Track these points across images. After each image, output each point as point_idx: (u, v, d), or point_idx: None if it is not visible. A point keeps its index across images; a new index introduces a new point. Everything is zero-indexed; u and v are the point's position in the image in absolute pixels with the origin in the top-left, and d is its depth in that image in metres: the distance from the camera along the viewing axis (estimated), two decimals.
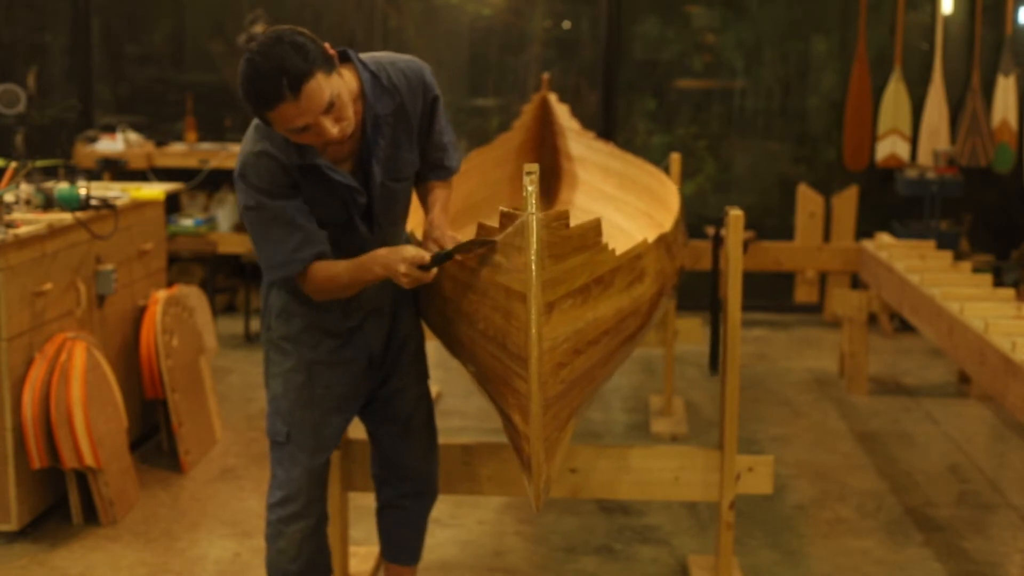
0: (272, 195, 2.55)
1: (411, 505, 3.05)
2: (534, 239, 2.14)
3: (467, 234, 2.62)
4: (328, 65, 2.43)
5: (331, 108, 2.43)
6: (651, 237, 2.79)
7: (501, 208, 2.25)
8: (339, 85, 2.46)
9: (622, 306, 2.43)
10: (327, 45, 2.47)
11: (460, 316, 2.43)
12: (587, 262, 2.27)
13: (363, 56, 2.64)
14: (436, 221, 2.74)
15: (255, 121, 2.59)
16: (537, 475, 2.25)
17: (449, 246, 2.57)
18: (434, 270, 2.47)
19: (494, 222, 2.30)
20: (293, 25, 2.47)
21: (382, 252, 2.52)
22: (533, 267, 2.13)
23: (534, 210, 2.15)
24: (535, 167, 2.21)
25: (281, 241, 2.57)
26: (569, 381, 2.29)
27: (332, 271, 2.58)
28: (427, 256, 2.46)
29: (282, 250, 2.57)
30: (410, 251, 2.47)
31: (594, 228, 2.27)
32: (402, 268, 2.46)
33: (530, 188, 2.17)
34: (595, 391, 2.57)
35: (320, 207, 2.61)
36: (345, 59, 2.60)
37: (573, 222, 2.22)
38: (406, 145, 2.69)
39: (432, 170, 2.81)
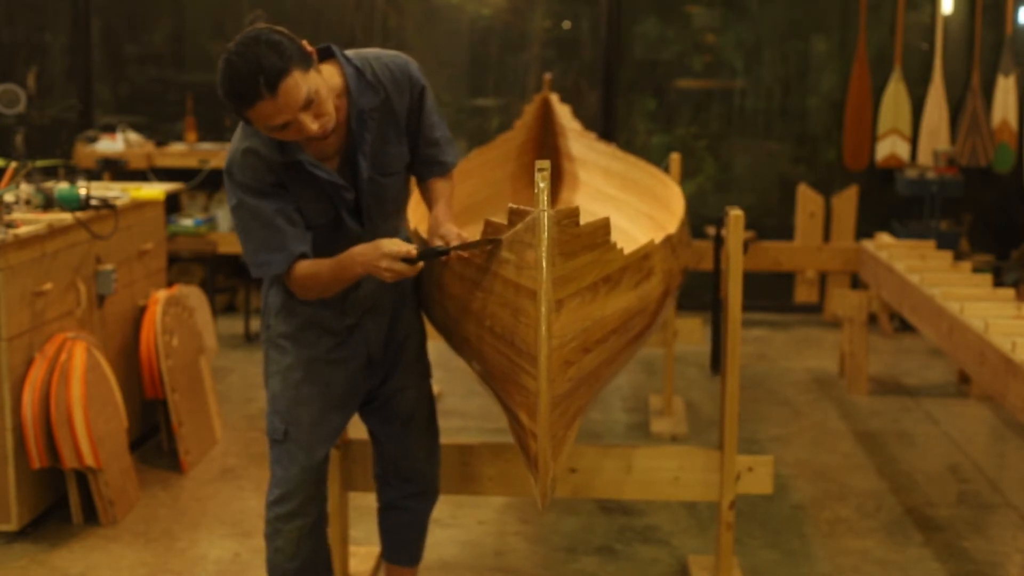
0: (256, 193, 2.57)
1: (413, 506, 3.05)
2: (545, 236, 2.13)
3: (469, 232, 2.62)
4: (305, 62, 2.44)
5: (310, 105, 2.44)
6: (656, 238, 2.79)
7: (511, 205, 2.24)
8: (317, 82, 2.46)
9: (630, 305, 2.43)
10: (305, 42, 2.48)
11: (466, 313, 2.43)
12: (596, 260, 2.27)
13: (348, 52, 2.65)
14: (440, 218, 2.74)
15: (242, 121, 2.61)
16: (544, 473, 2.25)
17: (455, 242, 2.57)
18: (420, 264, 2.48)
19: (498, 220, 2.30)
20: (273, 25, 2.48)
21: (360, 249, 2.54)
22: (544, 264, 2.13)
23: (546, 207, 2.15)
24: (547, 164, 2.20)
25: (261, 241, 2.60)
26: (577, 379, 2.29)
27: (313, 270, 2.60)
28: (412, 250, 2.46)
29: (262, 250, 2.60)
30: (390, 245, 2.48)
31: (603, 227, 2.27)
32: (383, 263, 2.47)
33: (542, 185, 2.16)
34: (601, 390, 2.57)
35: (308, 204, 2.62)
36: (329, 55, 2.62)
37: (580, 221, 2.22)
38: (393, 139, 2.70)
39: (428, 167, 2.81)
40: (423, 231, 2.87)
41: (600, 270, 2.29)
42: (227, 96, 2.43)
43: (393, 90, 2.66)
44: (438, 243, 2.63)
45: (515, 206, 2.23)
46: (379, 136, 2.66)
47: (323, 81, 2.49)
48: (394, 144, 2.70)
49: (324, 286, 2.61)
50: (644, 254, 2.51)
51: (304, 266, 2.61)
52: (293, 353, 2.77)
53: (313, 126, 2.46)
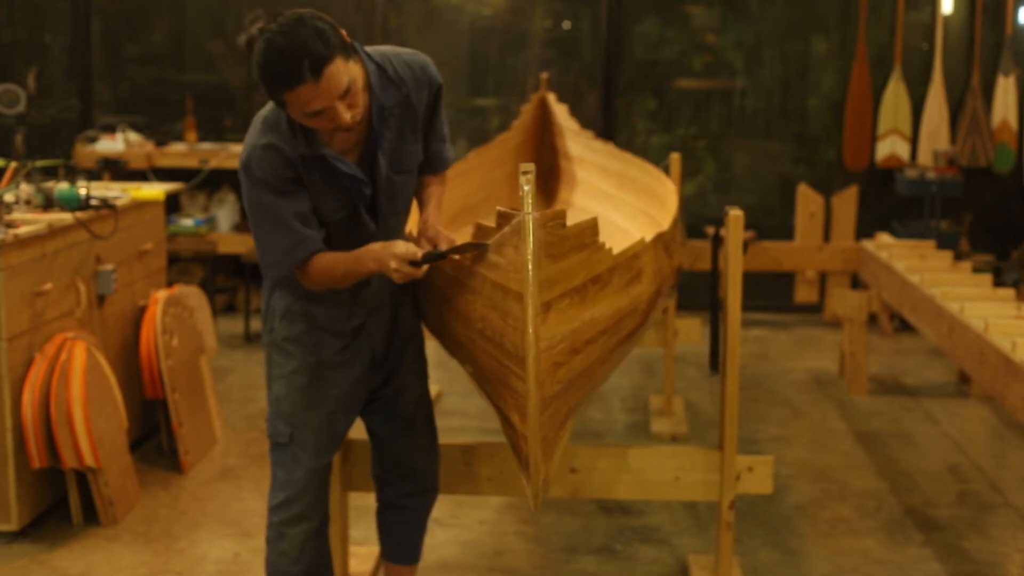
0: (273, 190, 2.56)
1: (412, 504, 3.04)
2: (531, 239, 2.14)
3: (464, 234, 2.63)
4: (346, 50, 2.45)
5: (347, 94, 2.45)
6: (649, 236, 2.79)
7: (498, 208, 2.25)
8: (355, 71, 2.48)
9: (620, 305, 2.43)
10: (344, 32, 2.48)
11: (458, 316, 2.43)
12: (584, 261, 2.27)
13: (368, 49, 2.65)
14: (430, 220, 2.75)
15: (260, 114, 2.61)
16: (535, 475, 2.25)
17: (443, 244, 2.59)
18: (425, 267, 2.50)
19: (492, 222, 2.30)
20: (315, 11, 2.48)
21: (375, 247, 2.55)
22: (530, 266, 2.14)
23: (531, 210, 2.15)
24: (531, 166, 2.21)
25: (275, 241, 2.59)
26: (567, 380, 2.29)
27: (326, 263, 2.61)
28: (418, 252, 2.49)
29: (275, 250, 2.60)
30: (400, 247, 2.50)
31: (591, 227, 2.27)
32: (392, 264, 2.49)
33: (526, 188, 2.17)
34: (593, 390, 2.57)
35: (326, 199, 2.62)
36: (352, 52, 2.61)
37: (571, 221, 2.22)
38: (410, 137, 2.70)
39: (431, 163, 2.82)
40: (414, 232, 2.87)
41: (589, 271, 2.29)
42: (266, 77, 2.41)
43: (413, 88, 2.67)
44: (425, 245, 2.65)
45: (502, 209, 2.24)
46: (398, 134, 2.67)
47: (358, 72, 2.51)
48: (410, 142, 2.71)
49: (336, 280, 2.62)
50: (633, 253, 2.51)
51: (319, 259, 2.60)
52: (299, 357, 2.77)
53: (346, 115, 2.46)
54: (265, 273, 2.68)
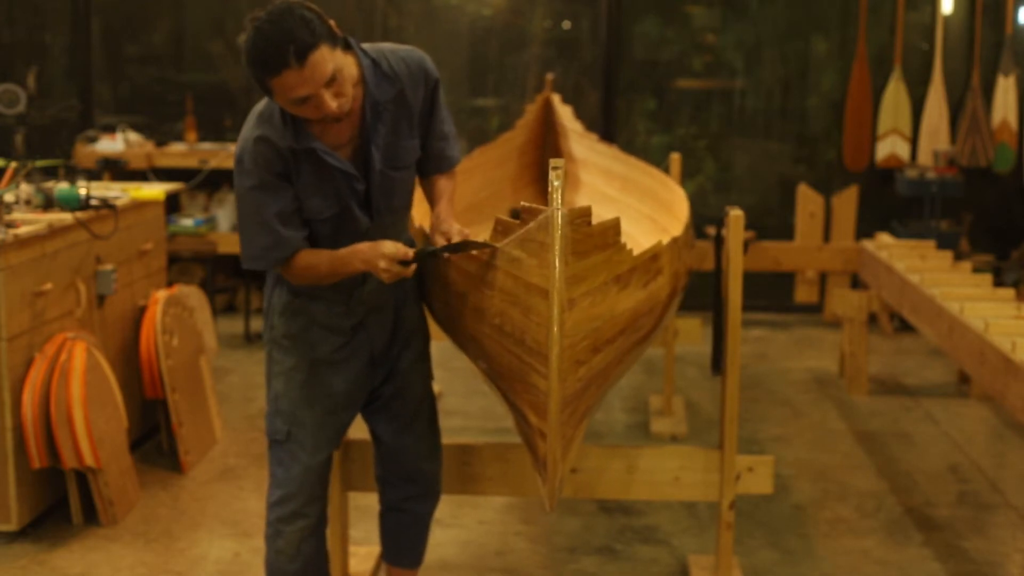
0: (260, 186, 2.58)
1: (415, 508, 3.04)
2: (559, 234, 2.13)
3: (473, 231, 2.62)
4: (333, 40, 2.47)
5: (332, 82, 2.46)
6: (659, 240, 2.79)
7: (522, 203, 2.24)
8: (343, 61, 2.49)
9: (638, 305, 2.43)
10: (333, 23, 2.49)
11: (472, 311, 2.42)
12: (607, 260, 2.27)
13: (364, 45, 2.66)
14: (443, 214, 2.76)
15: (255, 108, 2.63)
16: (553, 473, 2.24)
17: (456, 239, 2.59)
18: (413, 266, 2.51)
19: (507, 219, 2.30)
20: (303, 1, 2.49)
21: (363, 247, 2.57)
22: (557, 263, 2.13)
23: (559, 205, 2.15)
24: (561, 162, 2.21)
25: (254, 237, 2.63)
26: (587, 379, 2.28)
27: (311, 260, 2.63)
28: (409, 252, 2.50)
29: (254, 246, 2.63)
30: (389, 247, 2.52)
31: (614, 227, 2.27)
32: (382, 264, 2.51)
33: (556, 183, 2.16)
34: (609, 389, 2.57)
35: (316, 194, 2.62)
36: (346, 47, 2.62)
37: None
38: (406, 133, 2.70)
39: (435, 162, 2.82)
40: (426, 227, 2.87)
41: (610, 270, 2.29)
42: (253, 63, 2.44)
43: (408, 83, 2.68)
44: (439, 239, 2.65)
45: (527, 204, 2.23)
46: (392, 129, 2.67)
47: (346, 63, 2.52)
48: (406, 138, 2.71)
49: (319, 277, 2.64)
50: (653, 255, 2.51)
51: (303, 256, 2.63)
52: (297, 354, 2.77)
53: (332, 104, 2.48)
54: (243, 264, 2.70)
